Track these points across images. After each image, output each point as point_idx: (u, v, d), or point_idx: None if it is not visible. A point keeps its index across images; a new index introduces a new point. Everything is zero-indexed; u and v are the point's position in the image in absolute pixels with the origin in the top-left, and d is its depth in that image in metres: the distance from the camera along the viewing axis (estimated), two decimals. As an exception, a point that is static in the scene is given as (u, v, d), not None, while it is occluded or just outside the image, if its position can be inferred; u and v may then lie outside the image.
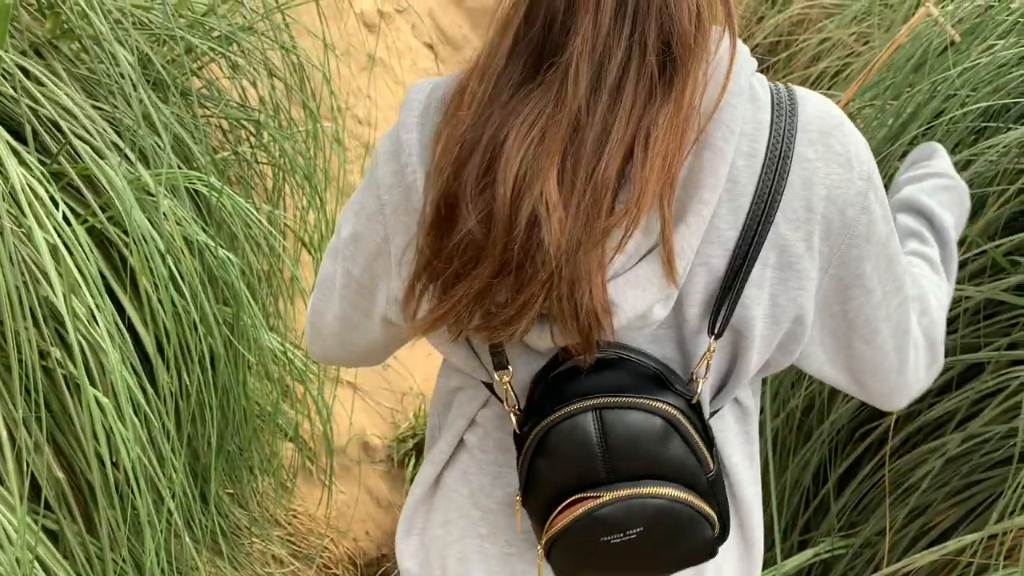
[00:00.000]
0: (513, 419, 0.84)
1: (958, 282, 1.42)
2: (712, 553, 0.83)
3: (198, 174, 1.65)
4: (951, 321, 1.46)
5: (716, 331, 0.80)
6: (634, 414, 0.78)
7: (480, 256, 0.75)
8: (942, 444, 1.37)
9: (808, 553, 1.54)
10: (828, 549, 1.54)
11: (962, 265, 1.44)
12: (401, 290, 0.83)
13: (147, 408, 1.59)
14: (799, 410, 1.63)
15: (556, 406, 0.79)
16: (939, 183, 1.03)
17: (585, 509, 0.77)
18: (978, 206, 1.38)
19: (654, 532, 0.78)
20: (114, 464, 1.57)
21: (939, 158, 1.07)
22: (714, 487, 0.81)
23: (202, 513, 1.91)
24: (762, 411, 1.71)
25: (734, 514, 0.90)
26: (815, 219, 0.79)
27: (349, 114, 2.80)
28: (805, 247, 0.79)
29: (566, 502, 0.79)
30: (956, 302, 1.41)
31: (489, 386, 0.90)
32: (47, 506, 1.56)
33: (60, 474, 1.58)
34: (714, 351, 0.81)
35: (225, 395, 1.85)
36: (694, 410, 0.81)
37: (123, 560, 1.64)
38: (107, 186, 1.48)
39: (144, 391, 1.60)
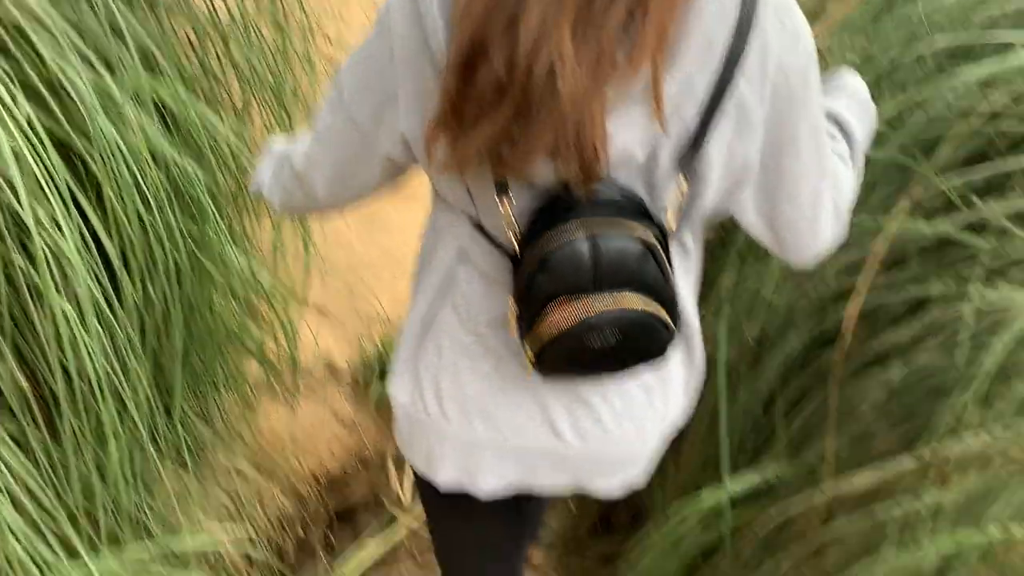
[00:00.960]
0: (514, 242, 0.96)
1: (912, 216, 1.46)
2: (663, 351, 1.00)
3: (165, 82, 1.63)
4: (903, 257, 1.50)
5: (685, 173, 0.93)
6: (622, 239, 0.91)
7: (502, 100, 0.85)
8: (886, 375, 1.43)
9: (754, 477, 1.60)
10: (775, 473, 1.60)
11: (917, 204, 1.48)
12: (419, 130, 0.94)
13: (112, 319, 1.59)
14: (753, 340, 1.68)
15: (554, 232, 0.92)
16: (851, 96, 1.18)
17: (576, 317, 0.92)
18: (934, 143, 1.41)
19: (627, 336, 0.95)
20: (78, 374, 1.58)
21: (851, 78, 1.22)
22: (674, 302, 0.97)
23: (166, 427, 1.93)
24: (717, 342, 1.76)
25: (681, 333, 1.10)
26: (767, 82, 0.92)
27: (320, 33, 2.75)
28: (758, 104, 0.92)
29: (555, 302, 0.92)
30: (909, 238, 1.45)
31: (477, 224, 1.02)
32: (11, 414, 1.57)
33: (24, 382, 1.58)
34: (684, 191, 0.95)
35: (190, 310, 1.85)
36: (665, 239, 0.96)
37: (87, 469, 1.66)
38: (71, 92, 1.46)
39: (109, 302, 1.61)
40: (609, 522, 2.45)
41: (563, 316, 0.93)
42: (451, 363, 1.09)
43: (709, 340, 1.82)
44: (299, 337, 2.32)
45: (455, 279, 1.07)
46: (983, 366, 1.15)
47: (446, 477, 1.15)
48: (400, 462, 2.63)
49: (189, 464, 2.03)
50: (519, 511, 1.29)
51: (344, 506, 2.50)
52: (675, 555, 1.74)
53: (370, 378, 2.60)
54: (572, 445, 1.10)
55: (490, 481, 1.14)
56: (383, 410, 2.63)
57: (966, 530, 1.20)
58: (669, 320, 0.97)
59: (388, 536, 2.43)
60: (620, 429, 1.10)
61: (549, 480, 1.15)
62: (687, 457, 1.95)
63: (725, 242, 1.90)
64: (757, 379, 1.68)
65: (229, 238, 1.94)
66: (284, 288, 2.24)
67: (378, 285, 2.77)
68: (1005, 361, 1.23)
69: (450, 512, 1.27)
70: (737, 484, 1.59)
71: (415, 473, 1.23)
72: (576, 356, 0.96)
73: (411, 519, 2.48)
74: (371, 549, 2.40)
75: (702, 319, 1.94)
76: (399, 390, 1.15)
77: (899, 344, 1.45)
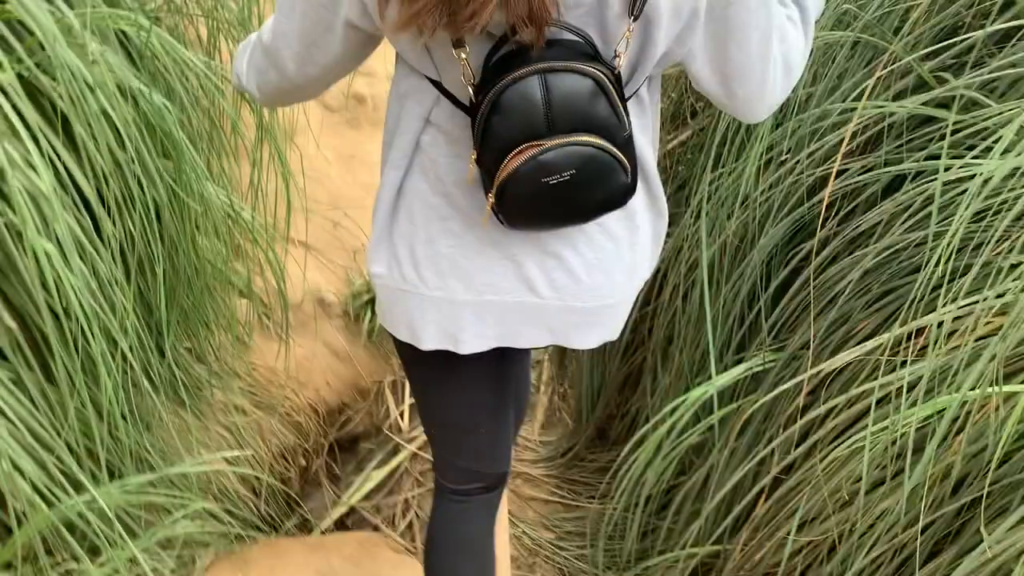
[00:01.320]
0: (470, 90, 1.00)
1: (882, 99, 1.46)
2: (624, 201, 1.04)
3: (125, 12, 1.61)
4: (876, 139, 1.51)
5: (635, 14, 0.96)
6: (572, 77, 0.95)
7: None
8: (863, 255, 1.45)
9: (740, 368, 1.63)
10: (760, 363, 1.63)
11: (887, 86, 1.48)
12: None
13: (95, 255, 1.60)
14: (734, 236, 1.69)
15: (508, 74, 0.96)
16: None
17: (531, 154, 0.96)
18: (902, 21, 1.40)
19: (583, 173, 0.98)
20: (65, 313, 1.59)
21: None
22: (628, 144, 1.01)
23: (160, 365, 1.95)
24: (699, 243, 1.78)
25: (643, 179, 1.14)
26: None
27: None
28: None
29: (515, 151, 0.97)
30: (881, 118, 1.45)
31: (437, 84, 1.06)
32: (3, 357, 1.59)
33: (12, 323, 1.60)
34: (632, 31, 0.97)
35: (173, 247, 1.86)
36: (617, 80, 0.99)
37: (83, 407, 1.68)
38: (35, 27, 1.44)
39: (90, 240, 1.61)
40: (606, 435, 2.50)
41: (517, 156, 0.97)
42: (423, 228, 1.12)
43: (690, 243, 1.84)
44: (286, 273, 2.33)
45: (421, 145, 1.10)
46: (950, 237, 1.16)
47: (429, 341, 1.18)
48: (397, 389, 2.66)
49: (186, 401, 2.06)
50: (503, 371, 1.32)
51: (344, 436, 2.54)
52: (668, 454, 1.77)
53: (360, 310, 2.61)
54: (546, 297, 1.14)
55: (472, 340, 1.17)
56: (376, 341, 2.66)
57: (943, 397, 1.23)
58: (626, 162, 1.00)
59: (390, 461, 2.48)
60: (591, 279, 1.14)
61: (528, 336, 1.18)
62: (677, 363, 1.98)
63: (701, 147, 1.91)
64: (740, 276, 1.70)
65: (207, 174, 1.93)
66: (267, 225, 2.24)
67: (362, 219, 2.77)
68: (974, 229, 1.24)
69: (437, 378, 1.30)
70: (724, 378, 1.62)
71: (398, 343, 1.26)
72: (536, 201, 0.99)
73: (411, 444, 2.52)
74: (375, 476, 2.45)
75: (682, 224, 1.96)
76: (376, 263, 1.17)
77: (876, 224, 1.46)
